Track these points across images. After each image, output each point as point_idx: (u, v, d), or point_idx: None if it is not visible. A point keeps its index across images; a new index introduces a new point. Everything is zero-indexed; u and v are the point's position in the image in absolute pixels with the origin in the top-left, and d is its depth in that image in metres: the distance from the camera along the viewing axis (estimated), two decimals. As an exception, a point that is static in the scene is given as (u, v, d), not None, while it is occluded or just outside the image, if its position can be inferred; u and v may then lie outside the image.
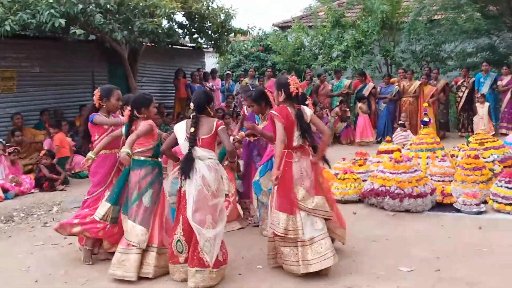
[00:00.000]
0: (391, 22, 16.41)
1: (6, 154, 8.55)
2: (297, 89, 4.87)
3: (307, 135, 4.85)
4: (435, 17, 16.35)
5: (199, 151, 4.67)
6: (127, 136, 4.88)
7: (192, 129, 4.67)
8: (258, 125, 6.08)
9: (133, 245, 4.75)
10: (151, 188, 4.88)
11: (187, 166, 4.63)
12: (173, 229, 4.79)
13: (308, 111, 4.95)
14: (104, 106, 5.33)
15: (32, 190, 8.53)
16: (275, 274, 4.84)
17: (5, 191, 8.08)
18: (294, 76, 5.13)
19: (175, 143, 4.92)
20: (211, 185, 4.61)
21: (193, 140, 4.67)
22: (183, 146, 4.75)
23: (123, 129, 5.03)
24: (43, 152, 9.00)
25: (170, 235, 4.79)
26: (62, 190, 8.69)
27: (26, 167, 9.40)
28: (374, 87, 13.73)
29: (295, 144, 4.82)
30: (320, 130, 5.01)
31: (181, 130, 4.81)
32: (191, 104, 4.82)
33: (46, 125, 10.56)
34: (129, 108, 4.94)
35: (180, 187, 4.73)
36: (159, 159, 5.11)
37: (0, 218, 7.17)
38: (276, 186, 4.76)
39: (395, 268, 4.94)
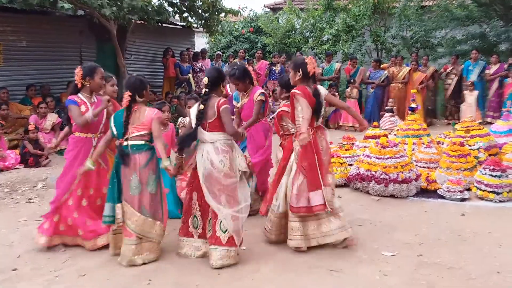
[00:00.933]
0: (383, 7, 16.36)
1: (-9, 128, 8.46)
2: (313, 68, 4.93)
3: (320, 114, 4.98)
4: (427, 3, 16.33)
5: (207, 135, 4.64)
6: (126, 122, 4.66)
7: (202, 106, 4.61)
8: (237, 104, 6.15)
9: (149, 238, 4.67)
10: (154, 174, 4.71)
11: (185, 142, 4.68)
12: (188, 205, 4.83)
13: (323, 90, 5.04)
14: (87, 85, 5.10)
15: (17, 166, 8.45)
16: (261, 253, 4.86)
17: (-11, 166, 8.01)
18: (310, 56, 5.11)
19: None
20: (221, 167, 4.58)
21: (200, 118, 4.60)
22: (192, 122, 4.72)
23: (119, 115, 4.73)
24: (31, 126, 8.90)
25: (187, 211, 4.83)
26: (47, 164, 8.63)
27: (11, 142, 9.31)
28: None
29: (315, 124, 4.96)
30: (340, 107, 5.45)
31: (193, 110, 4.73)
32: (205, 79, 4.69)
33: (32, 101, 10.44)
34: (128, 92, 4.67)
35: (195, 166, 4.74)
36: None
37: (-16, 193, 7.12)
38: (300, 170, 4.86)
39: (378, 252, 4.98)
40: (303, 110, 4.78)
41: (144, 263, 4.64)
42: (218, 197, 4.57)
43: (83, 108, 5.02)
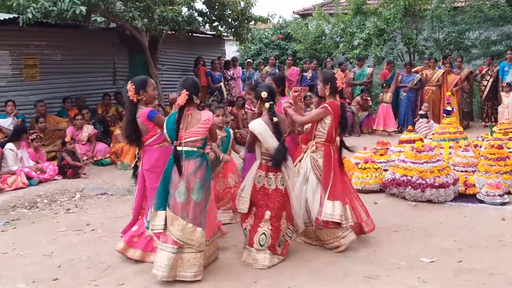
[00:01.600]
0: (414, 9, 16.15)
1: (29, 140, 8.65)
2: (342, 83, 5.08)
3: (345, 129, 5.23)
4: (459, 4, 16.08)
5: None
6: (178, 123, 4.54)
7: (275, 119, 4.71)
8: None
9: (190, 245, 4.54)
10: (201, 182, 4.58)
11: (282, 158, 4.74)
12: (255, 224, 4.85)
13: (346, 107, 5.27)
14: (142, 98, 4.95)
15: (55, 177, 8.63)
16: (297, 260, 4.84)
17: (29, 178, 8.19)
18: (339, 70, 5.27)
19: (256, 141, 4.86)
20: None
21: (279, 131, 4.71)
22: (271, 142, 4.74)
23: (172, 119, 4.62)
24: (68, 137, 9.09)
25: (253, 229, 4.85)
26: (85, 176, 8.79)
27: (49, 154, 9.51)
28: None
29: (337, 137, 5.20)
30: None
31: (265, 131, 4.74)
32: (263, 93, 4.73)
33: (68, 113, 10.67)
34: (186, 92, 4.55)
35: (264, 184, 4.82)
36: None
37: (24, 204, 7.29)
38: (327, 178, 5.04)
39: (416, 258, 4.90)
40: (325, 127, 5.06)
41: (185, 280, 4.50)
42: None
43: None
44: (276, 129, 4.71)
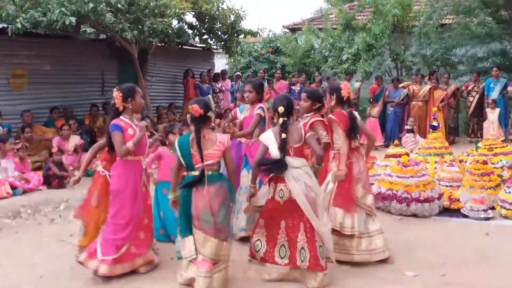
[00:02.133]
0: (402, 26, 16.33)
1: (15, 150, 8.59)
2: (348, 93, 5.15)
3: (356, 136, 5.20)
4: (446, 21, 16.27)
5: (292, 161, 4.61)
6: (199, 145, 4.41)
7: (284, 135, 4.61)
8: (240, 117, 6.18)
9: (219, 263, 4.51)
10: (224, 204, 4.47)
11: (274, 169, 4.63)
12: (273, 235, 4.72)
13: (356, 115, 5.24)
14: (129, 107, 4.87)
15: (40, 187, 8.56)
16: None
17: (13, 187, 8.11)
18: (345, 81, 5.33)
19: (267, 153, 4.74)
20: (314, 189, 4.65)
21: (284, 147, 4.59)
22: (274, 151, 4.65)
23: (186, 142, 4.48)
24: (55, 148, 9.04)
25: (272, 241, 4.71)
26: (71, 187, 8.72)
27: (34, 164, 9.45)
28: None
29: (353, 145, 5.14)
30: (365, 134, 5.67)
31: (271, 139, 4.69)
32: (280, 108, 4.65)
33: (55, 123, 10.62)
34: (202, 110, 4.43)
35: (273, 196, 4.70)
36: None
37: (8, 214, 7.21)
38: (335, 185, 5.07)
39: (401, 272, 4.92)
40: (340, 136, 5.04)
41: None
42: (321, 219, 4.64)
43: (130, 131, 4.81)
44: (282, 145, 4.59)
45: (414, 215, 6.77)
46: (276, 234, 4.71)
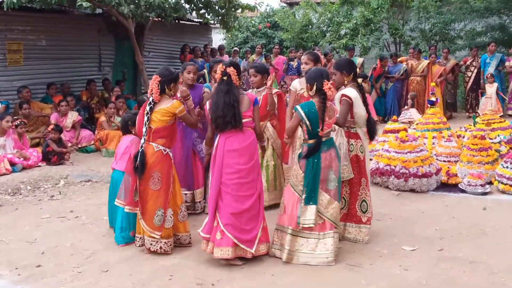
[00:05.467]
0: (401, 0, 16.20)
1: (13, 127, 8.56)
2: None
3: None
4: (445, -5, 16.14)
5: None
6: (323, 112, 4.62)
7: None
8: None
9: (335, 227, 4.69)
10: (338, 169, 4.74)
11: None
12: (355, 192, 5.09)
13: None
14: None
15: (39, 164, 8.57)
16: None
17: (12, 164, 8.12)
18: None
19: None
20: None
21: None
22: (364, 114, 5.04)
23: (312, 107, 4.64)
24: (51, 126, 9.02)
25: (354, 196, 5.06)
26: (70, 164, 8.73)
27: (33, 140, 9.43)
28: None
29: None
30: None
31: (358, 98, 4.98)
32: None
33: (53, 99, 10.57)
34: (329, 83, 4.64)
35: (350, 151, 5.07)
36: None
37: (7, 190, 7.24)
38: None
39: (398, 246, 4.97)
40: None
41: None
42: None
43: None
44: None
45: (412, 190, 6.81)
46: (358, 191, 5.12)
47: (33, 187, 7.46)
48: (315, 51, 14.34)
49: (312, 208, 4.58)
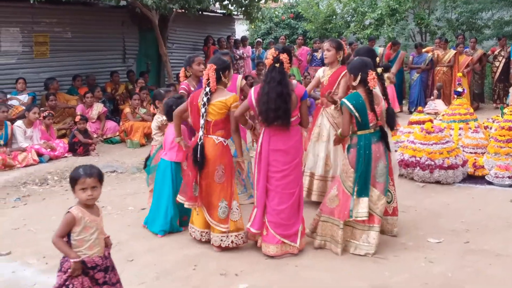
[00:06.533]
0: (427, -11, 15.97)
1: (41, 118, 8.70)
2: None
3: None
4: (473, -17, 15.83)
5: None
6: (372, 104, 4.59)
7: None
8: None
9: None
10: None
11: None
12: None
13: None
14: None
15: (66, 154, 8.69)
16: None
17: (40, 155, 8.25)
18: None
19: None
20: None
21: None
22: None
23: (359, 99, 4.60)
24: (78, 117, 9.14)
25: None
26: (96, 154, 8.84)
27: (59, 131, 9.57)
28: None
29: None
30: None
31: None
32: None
33: (78, 91, 10.70)
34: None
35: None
36: None
37: (35, 181, 7.37)
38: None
39: (423, 239, 4.93)
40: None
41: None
42: None
43: None
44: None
45: (438, 182, 6.73)
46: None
47: (60, 177, 7.58)
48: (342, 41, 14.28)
49: (365, 201, 4.55)
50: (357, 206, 4.55)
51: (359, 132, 4.60)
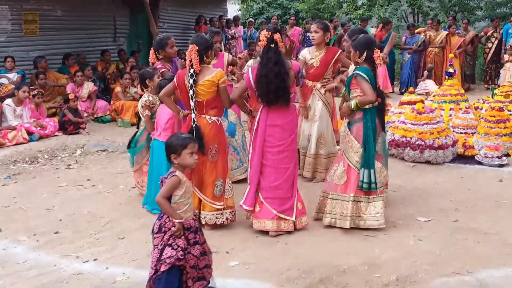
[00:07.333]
0: (420, -31, 15.88)
1: (31, 97, 8.63)
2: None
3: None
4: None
5: None
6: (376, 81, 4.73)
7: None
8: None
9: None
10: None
11: None
12: None
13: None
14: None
15: (56, 133, 8.65)
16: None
17: (30, 133, 8.21)
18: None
19: None
20: None
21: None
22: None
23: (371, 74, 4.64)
24: (72, 95, 9.08)
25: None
26: (86, 133, 8.81)
27: (49, 110, 9.51)
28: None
29: None
30: None
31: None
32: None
33: (70, 69, 10.60)
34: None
35: None
36: None
37: (25, 159, 7.33)
38: None
39: (413, 217, 4.97)
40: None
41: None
42: None
43: None
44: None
45: (428, 162, 6.78)
46: None
47: (50, 156, 7.55)
48: (334, 21, 14.16)
49: (372, 172, 4.62)
50: (366, 177, 4.61)
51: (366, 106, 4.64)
